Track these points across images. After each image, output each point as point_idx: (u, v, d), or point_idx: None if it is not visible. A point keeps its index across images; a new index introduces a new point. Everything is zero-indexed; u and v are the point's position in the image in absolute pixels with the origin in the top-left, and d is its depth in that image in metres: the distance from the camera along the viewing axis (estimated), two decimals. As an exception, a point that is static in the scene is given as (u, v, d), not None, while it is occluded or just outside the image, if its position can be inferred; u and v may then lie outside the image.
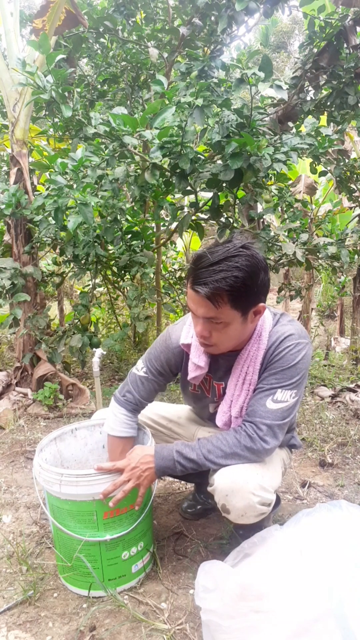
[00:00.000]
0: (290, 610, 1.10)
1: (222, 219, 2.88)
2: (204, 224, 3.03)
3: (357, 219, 4.09)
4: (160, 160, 2.47)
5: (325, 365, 3.80)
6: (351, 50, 2.84)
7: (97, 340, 2.99)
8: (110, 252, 3.19)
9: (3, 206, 2.86)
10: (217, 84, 2.55)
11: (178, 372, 1.56)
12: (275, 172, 2.46)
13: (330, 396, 3.14)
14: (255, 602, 1.14)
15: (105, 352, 2.98)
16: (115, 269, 3.22)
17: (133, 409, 1.56)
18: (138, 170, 2.61)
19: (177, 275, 3.99)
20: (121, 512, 1.42)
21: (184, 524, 1.84)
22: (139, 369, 1.57)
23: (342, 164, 3.34)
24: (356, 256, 3.27)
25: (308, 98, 3.03)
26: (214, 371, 1.49)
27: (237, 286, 1.21)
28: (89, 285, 3.22)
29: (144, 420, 1.72)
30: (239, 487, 1.29)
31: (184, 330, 1.48)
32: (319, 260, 3.24)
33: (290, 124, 3.09)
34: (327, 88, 2.96)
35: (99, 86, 3.71)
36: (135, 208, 3.23)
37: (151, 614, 1.41)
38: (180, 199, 3.84)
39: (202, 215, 2.96)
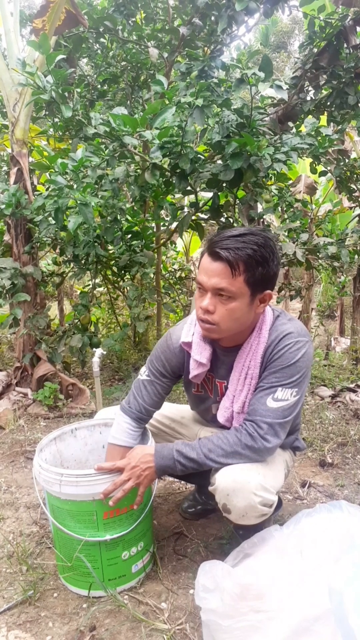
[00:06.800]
0: (290, 610, 1.10)
1: (222, 219, 2.89)
2: (204, 224, 3.03)
3: (357, 219, 4.08)
4: (160, 160, 2.47)
5: (325, 365, 3.79)
6: (351, 50, 2.84)
7: (97, 340, 2.99)
8: (110, 252, 3.19)
9: (3, 206, 2.86)
10: (217, 84, 2.55)
11: (180, 373, 1.56)
12: (275, 172, 2.46)
13: (330, 396, 3.14)
14: (255, 601, 1.14)
15: (105, 352, 2.98)
16: (115, 269, 3.22)
17: (137, 417, 1.55)
18: (138, 170, 2.62)
19: (177, 275, 3.99)
20: (121, 512, 1.42)
21: (184, 524, 1.84)
22: (142, 373, 1.58)
23: (342, 163, 3.34)
24: (356, 256, 3.27)
25: (308, 98, 3.03)
26: (216, 370, 1.49)
27: (255, 258, 1.25)
28: (89, 285, 3.22)
29: None
30: (241, 486, 1.29)
31: (185, 329, 1.49)
32: (319, 260, 3.24)
33: (290, 124, 3.09)
34: (327, 88, 2.96)
35: (99, 86, 3.71)
36: (135, 208, 3.22)
37: (151, 614, 1.41)
38: (180, 199, 3.84)
39: (202, 215, 2.96)
